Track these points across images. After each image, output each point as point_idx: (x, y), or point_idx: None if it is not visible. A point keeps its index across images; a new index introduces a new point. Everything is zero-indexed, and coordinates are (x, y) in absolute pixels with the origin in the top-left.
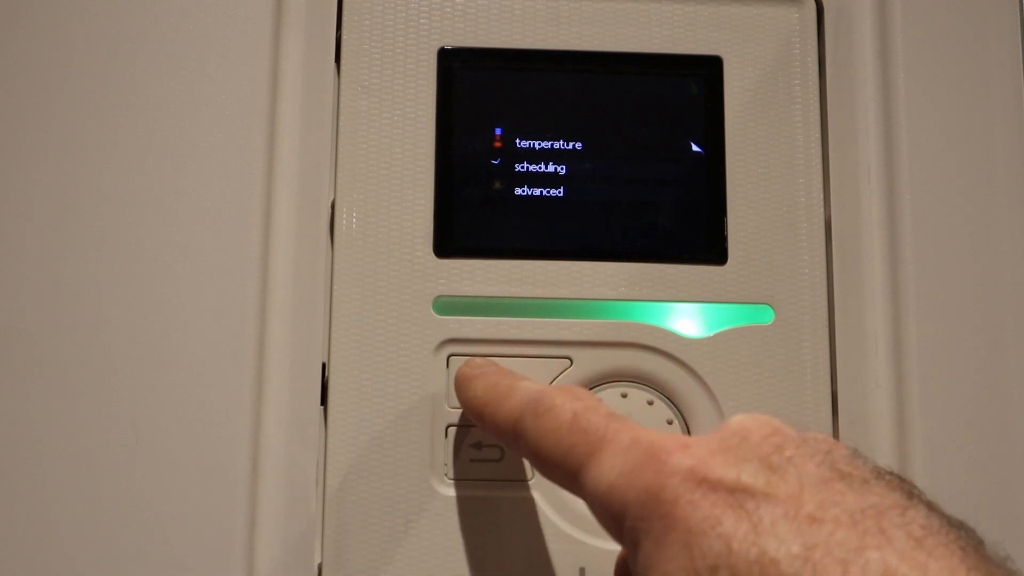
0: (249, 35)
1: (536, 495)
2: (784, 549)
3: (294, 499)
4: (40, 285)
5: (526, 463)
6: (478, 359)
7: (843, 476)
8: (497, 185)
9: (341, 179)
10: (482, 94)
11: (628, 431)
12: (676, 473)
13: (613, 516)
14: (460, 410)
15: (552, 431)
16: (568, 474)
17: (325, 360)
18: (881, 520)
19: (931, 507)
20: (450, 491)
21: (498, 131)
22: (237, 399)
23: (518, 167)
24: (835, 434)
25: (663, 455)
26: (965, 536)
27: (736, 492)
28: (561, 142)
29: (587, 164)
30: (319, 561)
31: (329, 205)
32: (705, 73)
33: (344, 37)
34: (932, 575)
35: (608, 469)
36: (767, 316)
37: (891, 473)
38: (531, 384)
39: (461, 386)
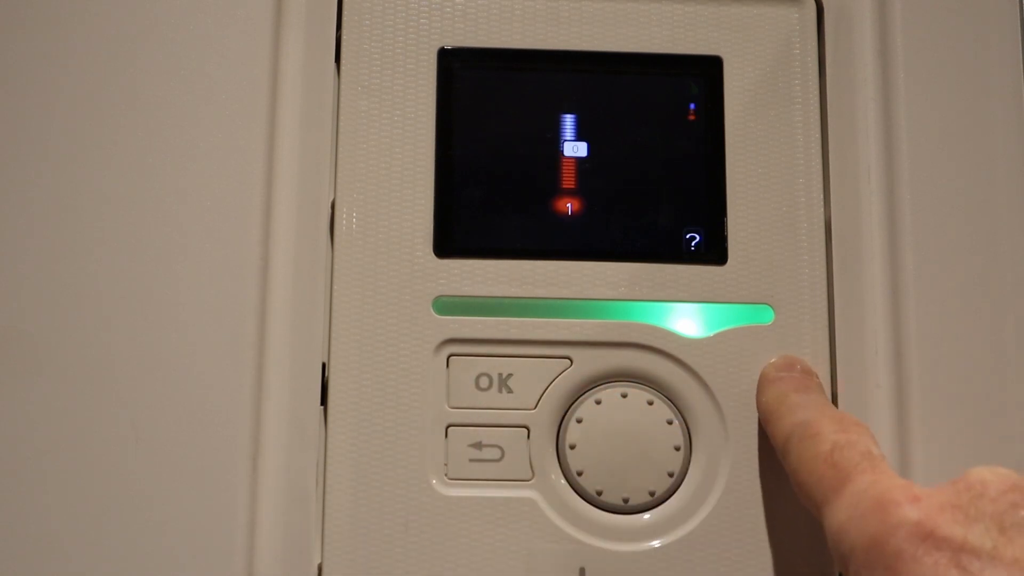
0: (249, 35)
1: (536, 495)
2: None
3: (294, 499)
4: (40, 285)
5: (526, 463)
6: (781, 361)
7: None
8: (497, 185)
9: (341, 179)
10: (482, 94)
11: (871, 473)
12: (902, 526)
13: (841, 557)
14: (460, 410)
15: (810, 459)
16: (814, 504)
17: (325, 360)
18: None
19: None
20: (450, 491)
21: (498, 131)
22: (237, 399)
23: (518, 167)
24: None
25: (892, 506)
26: None
27: (961, 552)
28: (561, 142)
29: (587, 164)
30: (319, 561)
31: (329, 205)
32: (705, 73)
33: (344, 37)
34: None
35: (842, 510)
36: (767, 316)
37: None
38: (814, 405)
39: (760, 387)
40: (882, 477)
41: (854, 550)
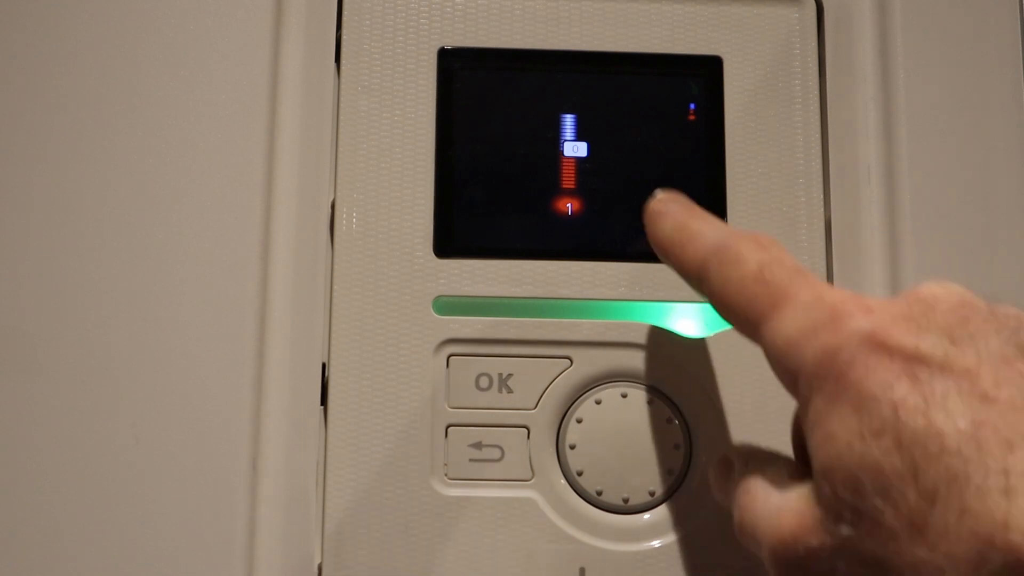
0: (249, 35)
1: (536, 495)
2: (951, 423)
3: (294, 499)
4: (40, 286)
5: (526, 463)
6: (663, 194)
7: None
8: (497, 185)
9: (341, 179)
10: (482, 94)
11: (812, 288)
12: (855, 335)
13: (788, 371)
14: (460, 410)
15: (736, 280)
16: (749, 324)
17: (325, 360)
18: None
19: None
20: (450, 491)
21: (498, 131)
22: (237, 399)
23: (518, 167)
24: None
25: (843, 315)
26: None
27: (913, 361)
28: (561, 142)
29: (587, 164)
30: (319, 561)
31: (329, 205)
32: (705, 73)
33: (344, 37)
34: None
35: (787, 325)
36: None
37: None
38: (718, 228)
39: (649, 221)
40: (827, 290)
41: (803, 363)
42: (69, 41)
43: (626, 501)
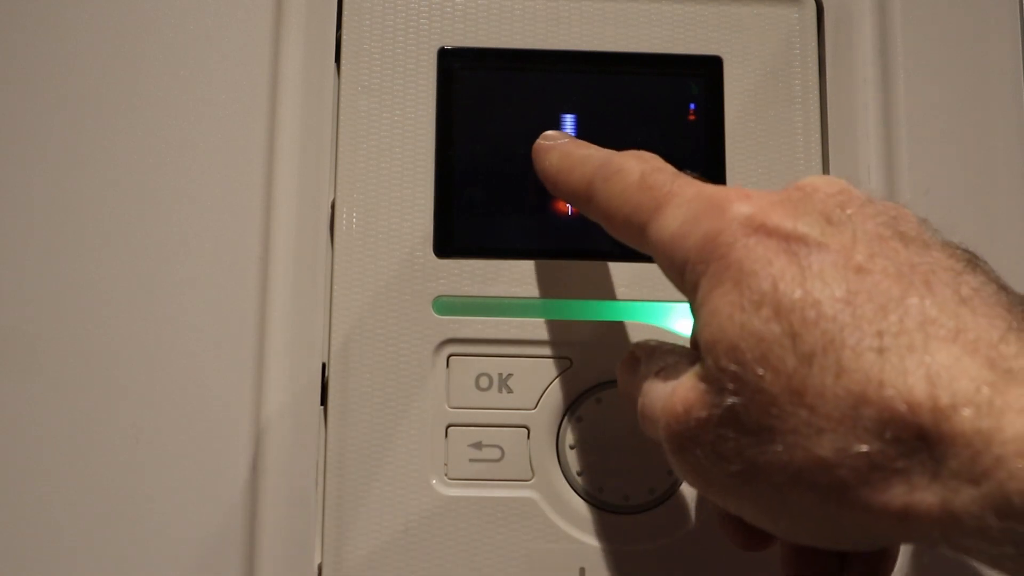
0: (249, 35)
1: (536, 495)
2: (828, 292)
3: (294, 499)
4: (40, 285)
5: (526, 463)
6: (551, 132)
7: (903, 237)
8: (497, 185)
9: (341, 179)
10: (482, 94)
11: (692, 185)
12: (735, 219)
13: (675, 264)
14: (460, 410)
15: (620, 191)
16: (636, 230)
17: (325, 360)
18: (930, 277)
19: (991, 277)
20: (450, 491)
21: (498, 131)
22: (237, 399)
23: (518, 167)
24: None
25: (724, 203)
26: (1020, 303)
27: (791, 240)
28: None
29: None
30: (319, 561)
31: (329, 205)
32: (705, 73)
33: (344, 37)
34: (969, 326)
35: (671, 220)
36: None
37: (963, 248)
38: (602, 151)
39: (537, 156)
40: (707, 185)
41: (688, 251)
42: (69, 41)
43: (626, 501)
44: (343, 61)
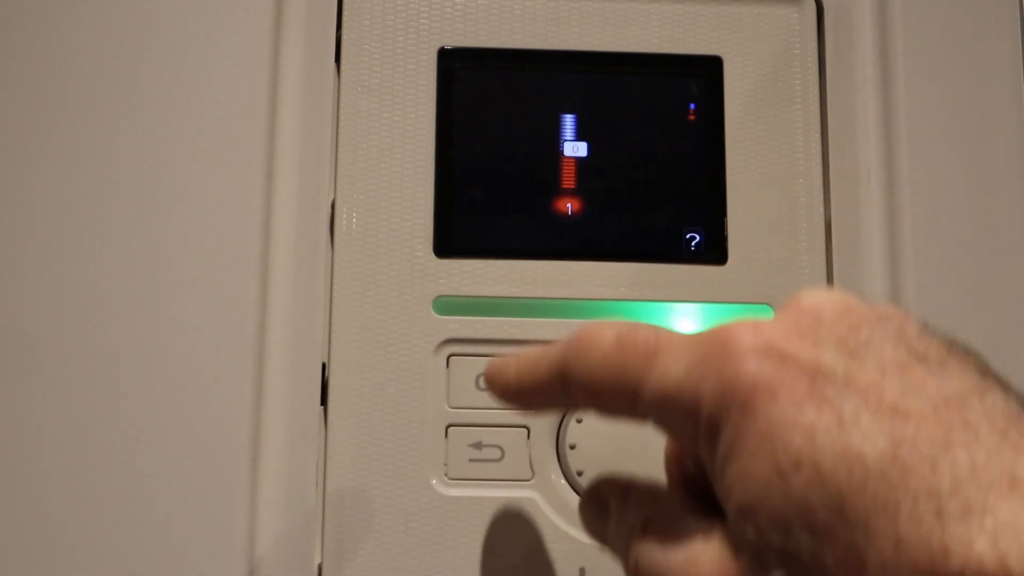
0: (249, 35)
1: (536, 495)
2: (870, 445)
3: (294, 499)
4: (40, 285)
5: (526, 463)
6: (495, 359)
7: (920, 358)
8: (497, 185)
9: (341, 179)
10: (482, 94)
11: (679, 334)
12: (750, 354)
13: (686, 413)
14: (460, 410)
15: (599, 360)
16: (627, 394)
17: (325, 360)
18: (964, 411)
19: (1005, 388)
20: (450, 491)
21: (498, 131)
22: (237, 399)
23: (518, 167)
24: None
25: (731, 340)
26: None
27: (817, 377)
28: (561, 142)
29: (587, 164)
30: (319, 561)
31: (329, 205)
32: (705, 73)
33: (344, 37)
34: (1019, 470)
35: (672, 369)
36: (767, 316)
37: (956, 343)
38: (559, 342)
39: (493, 382)
40: (698, 332)
41: (701, 398)
42: (69, 41)
43: None
44: (343, 61)
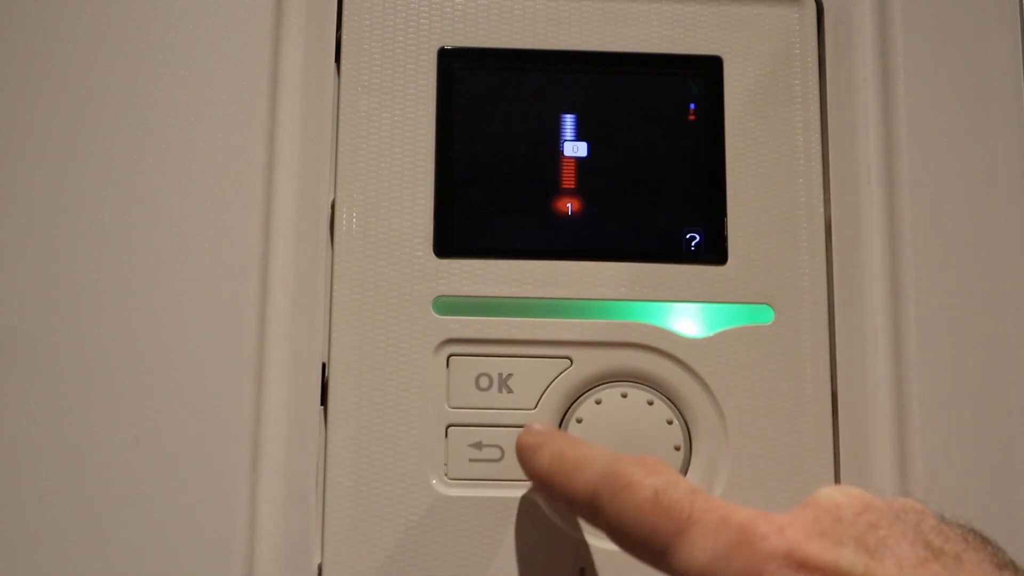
0: (249, 35)
1: (536, 495)
2: None
3: (294, 499)
4: (40, 286)
5: None
6: (537, 426)
7: (936, 554)
8: (497, 185)
9: (341, 179)
10: (482, 94)
11: (715, 510)
12: (772, 558)
13: None
14: (460, 410)
15: (633, 509)
16: (653, 554)
17: (325, 360)
18: None
19: (1017, 571)
20: (450, 491)
21: (498, 131)
22: (237, 399)
23: (518, 167)
24: (835, 433)
25: (758, 539)
26: None
27: None
28: (561, 142)
29: (587, 164)
30: (319, 561)
31: (329, 205)
32: (705, 73)
33: (344, 37)
34: None
35: (699, 551)
36: (767, 316)
37: (974, 533)
38: (601, 454)
39: (525, 456)
40: (732, 510)
41: None
42: (69, 41)
43: None
44: (343, 61)
